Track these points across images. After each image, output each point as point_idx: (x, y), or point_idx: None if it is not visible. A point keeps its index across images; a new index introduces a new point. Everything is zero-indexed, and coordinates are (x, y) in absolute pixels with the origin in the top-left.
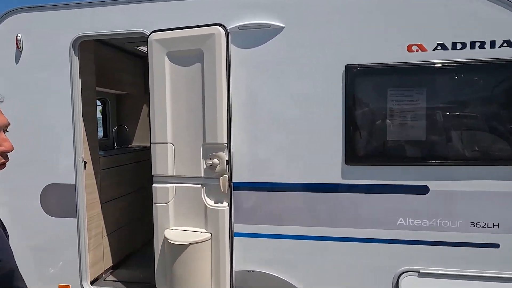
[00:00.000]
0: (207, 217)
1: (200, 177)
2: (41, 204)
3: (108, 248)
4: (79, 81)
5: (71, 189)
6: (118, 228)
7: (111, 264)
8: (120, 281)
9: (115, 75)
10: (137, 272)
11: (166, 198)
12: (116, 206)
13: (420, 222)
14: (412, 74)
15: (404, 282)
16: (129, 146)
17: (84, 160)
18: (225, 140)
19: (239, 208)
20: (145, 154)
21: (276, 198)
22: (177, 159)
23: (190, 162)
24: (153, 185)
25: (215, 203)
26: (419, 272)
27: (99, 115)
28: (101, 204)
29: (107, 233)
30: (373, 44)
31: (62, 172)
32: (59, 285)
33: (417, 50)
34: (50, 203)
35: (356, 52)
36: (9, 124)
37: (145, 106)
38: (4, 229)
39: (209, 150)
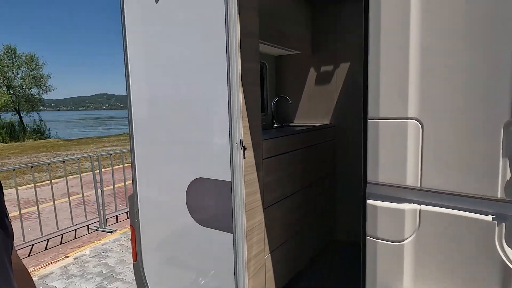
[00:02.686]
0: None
1: (494, 199)
2: (187, 206)
3: (271, 272)
4: (237, 18)
5: (223, 187)
6: (282, 243)
7: None
8: None
9: (276, 25)
10: None
11: (400, 232)
12: (281, 211)
13: None
14: None
15: None
16: (291, 124)
17: (243, 145)
18: None
19: None
20: (316, 136)
21: None
22: (428, 154)
23: (463, 164)
24: (368, 201)
25: None
26: None
27: None
28: (263, 209)
29: (269, 250)
30: None
31: (209, 162)
32: None
33: None
34: (196, 206)
35: None
36: None
37: (312, 70)
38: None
39: None
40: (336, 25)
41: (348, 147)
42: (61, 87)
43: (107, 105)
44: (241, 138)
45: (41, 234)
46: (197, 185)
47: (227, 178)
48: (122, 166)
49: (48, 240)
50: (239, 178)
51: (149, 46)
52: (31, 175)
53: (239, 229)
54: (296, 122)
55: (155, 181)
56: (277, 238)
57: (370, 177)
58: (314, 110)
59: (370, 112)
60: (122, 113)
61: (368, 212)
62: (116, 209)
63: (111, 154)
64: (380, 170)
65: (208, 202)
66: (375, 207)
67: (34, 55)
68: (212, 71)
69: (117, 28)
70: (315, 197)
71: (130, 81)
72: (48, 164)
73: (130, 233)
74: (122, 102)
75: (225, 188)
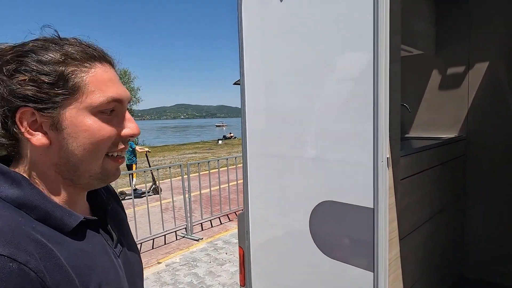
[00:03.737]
0: None
1: None
2: (310, 232)
3: None
4: (388, 12)
5: (360, 214)
6: (416, 281)
7: None
8: None
9: (402, 22)
10: None
11: None
12: (415, 243)
13: None
14: None
15: None
16: (407, 135)
17: (389, 164)
18: None
19: None
20: (447, 151)
21: None
22: None
23: None
24: None
25: None
26: None
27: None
28: (400, 240)
29: None
30: None
31: (342, 183)
32: None
33: None
34: (323, 234)
35: None
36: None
37: (435, 72)
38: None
39: None
40: (468, 18)
41: (483, 165)
42: (146, 98)
43: (185, 114)
44: (388, 156)
45: (137, 238)
46: (325, 209)
47: (366, 204)
48: (208, 172)
49: (141, 244)
50: (384, 205)
51: (270, 51)
52: (123, 179)
53: (382, 266)
54: (412, 133)
55: (271, 200)
56: (410, 275)
57: None
58: (436, 119)
59: None
60: (197, 121)
61: None
62: (201, 217)
63: (198, 163)
64: None
65: (339, 231)
66: None
67: (127, 70)
68: (352, 76)
69: (198, 43)
70: (444, 225)
71: (246, 91)
72: (144, 171)
73: (216, 243)
74: (198, 111)
75: (362, 216)
